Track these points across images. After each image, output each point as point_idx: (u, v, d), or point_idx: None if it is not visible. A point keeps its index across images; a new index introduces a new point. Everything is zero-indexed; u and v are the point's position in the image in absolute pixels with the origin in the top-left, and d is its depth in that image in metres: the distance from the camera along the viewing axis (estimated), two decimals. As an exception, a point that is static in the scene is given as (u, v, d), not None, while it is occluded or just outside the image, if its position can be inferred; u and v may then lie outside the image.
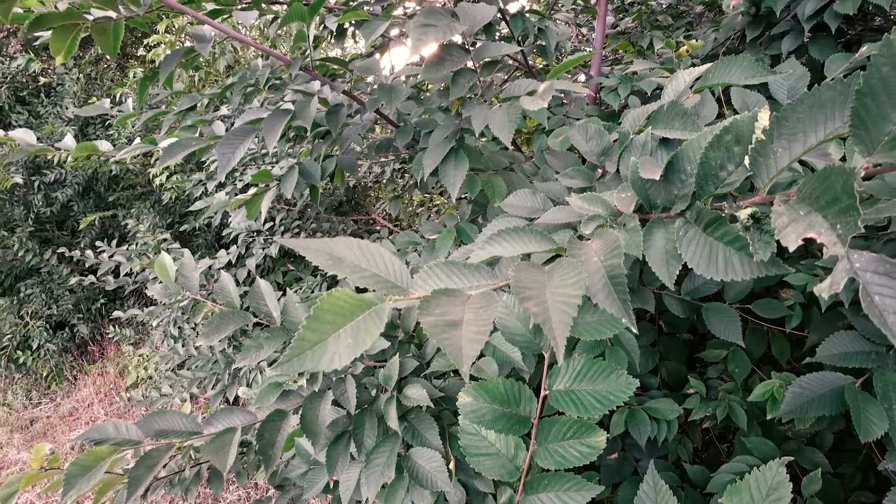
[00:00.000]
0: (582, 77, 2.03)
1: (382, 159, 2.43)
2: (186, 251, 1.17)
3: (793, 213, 0.36)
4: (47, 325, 3.84)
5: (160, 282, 1.10)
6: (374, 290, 0.42)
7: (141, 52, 4.62)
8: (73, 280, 2.76)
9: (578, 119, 1.25)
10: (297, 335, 0.37)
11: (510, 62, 1.54)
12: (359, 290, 0.43)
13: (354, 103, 1.27)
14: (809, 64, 1.42)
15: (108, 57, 4.48)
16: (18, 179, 3.51)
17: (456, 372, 1.11)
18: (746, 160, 0.43)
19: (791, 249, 0.34)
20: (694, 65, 1.51)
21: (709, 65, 0.73)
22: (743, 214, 0.43)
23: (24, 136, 1.34)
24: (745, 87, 1.11)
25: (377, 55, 1.56)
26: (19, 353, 3.71)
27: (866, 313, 0.33)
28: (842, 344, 0.90)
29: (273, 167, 1.75)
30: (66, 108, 3.90)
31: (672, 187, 0.51)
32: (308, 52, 1.05)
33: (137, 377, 3.35)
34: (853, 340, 0.89)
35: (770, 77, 0.68)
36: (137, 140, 1.39)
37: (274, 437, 0.87)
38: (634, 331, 0.44)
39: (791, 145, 0.40)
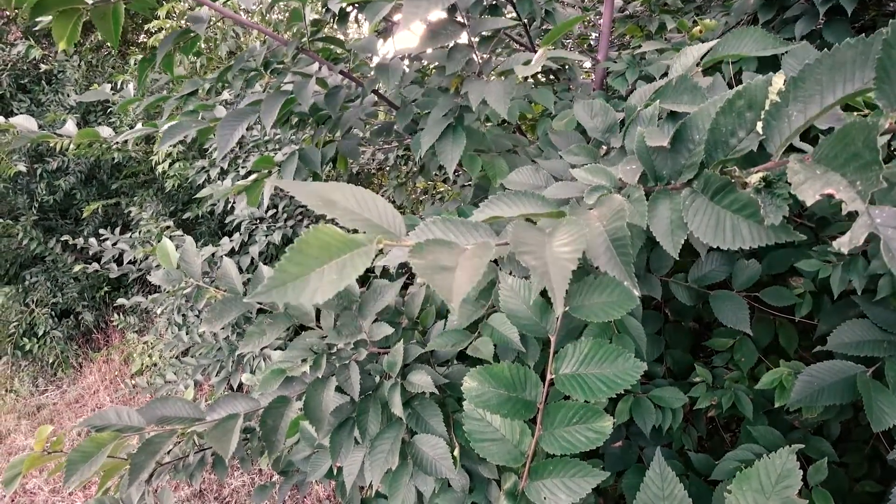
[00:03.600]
0: (588, 63, 2.00)
1: (386, 146, 2.41)
2: (189, 237, 1.16)
3: (809, 172, 0.35)
4: (52, 313, 3.85)
5: (162, 268, 1.09)
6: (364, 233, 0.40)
7: (142, 38, 4.59)
8: (77, 268, 2.76)
9: (585, 104, 1.23)
10: (277, 266, 0.36)
11: (516, 46, 1.51)
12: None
13: (354, 86, 1.25)
14: (823, 48, 1.39)
15: (109, 44, 4.46)
16: (22, 168, 3.50)
17: (460, 358, 1.10)
18: (759, 126, 0.42)
19: (809, 203, 0.33)
20: (703, 49, 1.48)
21: (718, 39, 0.71)
22: (754, 178, 0.41)
23: (25, 122, 1.33)
24: (757, 71, 1.08)
25: (380, 40, 1.53)
26: (25, 340, 3.74)
27: (888, 265, 0.32)
28: (854, 332, 0.88)
29: (276, 154, 1.73)
30: (68, 96, 3.88)
31: (679, 157, 0.50)
32: (305, 32, 1.03)
33: (142, 364, 3.37)
34: (865, 329, 0.88)
35: (783, 48, 0.66)
36: (139, 125, 1.38)
37: (277, 423, 0.87)
38: (637, 293, 0.43)
39: (807, 107, 0.38)
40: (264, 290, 0.35)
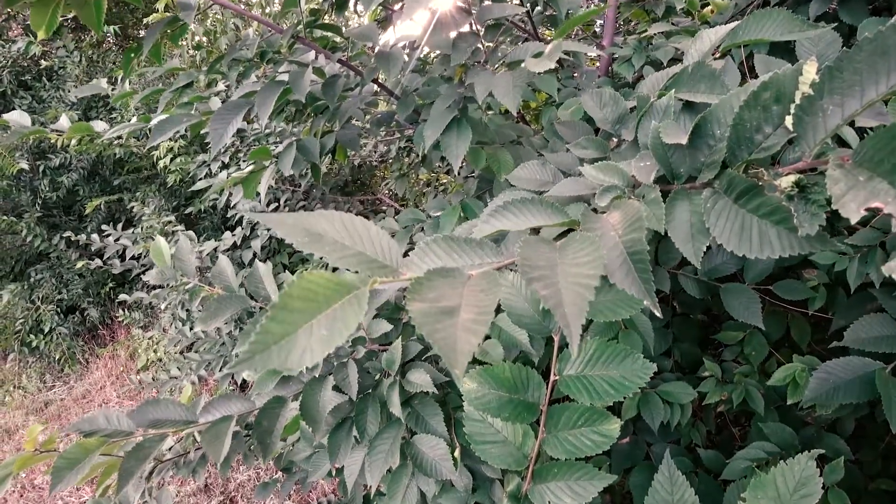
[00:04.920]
0: (594, 51, 1.94)
1: (388, 137, 2.38)
2: (184, 234, 1.13)
3: (851, 179, 0.31)
4: (58, 310, 3.86)
5: (156, 266, 1.07)
6: (357, 272, 0.36)
7: (142, 33, 4.55)
8: (80, 264, 2.76)
9: (590, 92, 1.18)
10: (259, 327, 0.31)
11: (518, 33, 1.46)
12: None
13: (353, 75, 1.21)
14: (838, 31, 1.33)
15: (109, 39, 4.41)
16: (24, 165, 3.50)
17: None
18: (788, 121, 0.37)
19: (853, 221, 0.29)
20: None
21: (736, 22, 0.66)
22: (785, 182, 0.37)
23: (18, 118, 1.30)
24: (771, 55, 1.03)
25: (380, 29, 1.49)
26: (32, 337, 3.76)
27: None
28: (871, 327, 0.84)
29: (276, 147, 1.70)
30: (69, 92, 3.86)
31: (698, 154, 0.46)
32: (301, 19, 1.00)
33: (147, 360, 3.38)
34: (884, 323, 0.84)
35: (810, 32, 0.61)
36: (134, 119, 1.35)
37: (272, 424, 0.84)
38: (658, 314, 0.39)
39: (845, 101, 0.34)
40: (245, 357, 0.30)
